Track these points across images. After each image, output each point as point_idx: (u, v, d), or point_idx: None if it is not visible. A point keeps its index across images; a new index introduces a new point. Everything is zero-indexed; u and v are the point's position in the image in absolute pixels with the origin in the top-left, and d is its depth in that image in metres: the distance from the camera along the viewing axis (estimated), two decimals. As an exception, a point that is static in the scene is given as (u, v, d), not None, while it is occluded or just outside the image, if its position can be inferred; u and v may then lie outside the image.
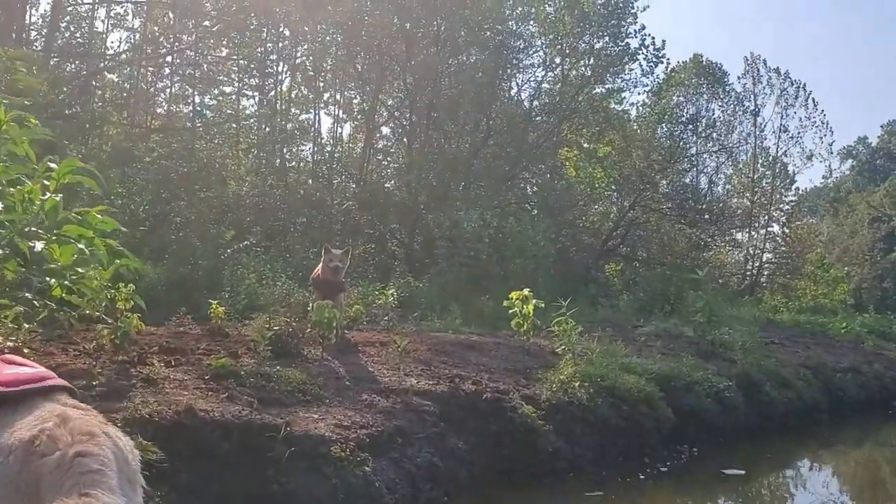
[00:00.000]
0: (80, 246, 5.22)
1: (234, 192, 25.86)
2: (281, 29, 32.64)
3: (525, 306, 8.76)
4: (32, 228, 5.41)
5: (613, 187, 31.21)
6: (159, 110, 31.74)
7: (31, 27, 25.54)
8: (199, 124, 29.90)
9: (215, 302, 9.84)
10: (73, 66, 24.00)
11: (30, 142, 5.75)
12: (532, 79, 30.86)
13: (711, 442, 9.33)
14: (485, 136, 27.43)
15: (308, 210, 27.10)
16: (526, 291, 8.75)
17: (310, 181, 30.01)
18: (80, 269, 5.98)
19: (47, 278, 5.82)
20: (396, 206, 26.65)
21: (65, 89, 19.90)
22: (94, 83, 24.94)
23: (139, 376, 5.99)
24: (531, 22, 30.14)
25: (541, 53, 30.37)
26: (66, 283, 5.86)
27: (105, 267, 6.12)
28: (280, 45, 33.31)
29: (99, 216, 5.56)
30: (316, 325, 7.94)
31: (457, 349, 9.38)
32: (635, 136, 32.06)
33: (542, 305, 8.75)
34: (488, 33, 28.04)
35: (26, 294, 6.10)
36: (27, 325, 6.11)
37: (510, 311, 8.89)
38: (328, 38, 30.93)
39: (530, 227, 18.81)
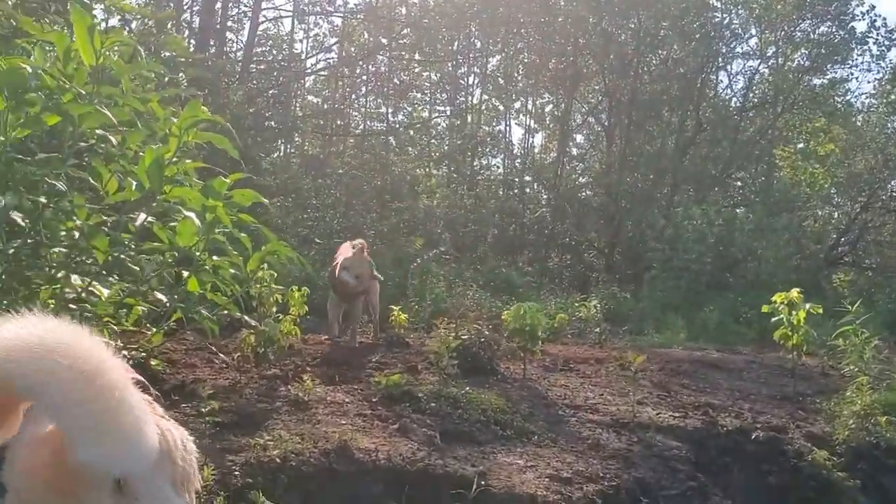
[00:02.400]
0: (195, 220, 3.74)
1: (425, 204, 25.18)
2: (472, 40, 31.95)
3: (793, 313, 6.49)
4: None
5: (833, 190, 27.25)
6: (352, 124, 31.69)
7: (230, 43, 26.06)
8: (391, 138, 29.63)
9: (397, 308, 8.42)
10: (269, 80, 24.07)
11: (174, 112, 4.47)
12: (743, 70, 27.70)
13: None
14: (692, 133, 24.71)
15: (500, 220, 25.83)
16: (794, 293, 6.47)
17: (501, 191, 28.86)
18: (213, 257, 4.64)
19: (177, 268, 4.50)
20: (594, 213, 24.72)
21: (258, 101, 19.67)
22: (286, 95, 24.94)
23: (287, 397, 4.46)
24: (741, 8, 27.08)
25: (753, 42, 27.16)
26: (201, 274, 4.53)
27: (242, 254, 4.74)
28: (471, 56, 32.52)
29: (224, 181, 4.10)
30: (514, 335, 6.14)
31: (697, 369, 7.28)
32: (864, 131, 27.89)
33: (820, 311, 6.44)
34: (693, 24, 25.38)
35: (153, 291, 4.80)
36: (153, 329, 4.72)
37: (773, 320, 6.63)
38: (520, 44, 29.80)
39: (765, 226, 16.03)
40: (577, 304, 13.93)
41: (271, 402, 4.37)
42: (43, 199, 4.01)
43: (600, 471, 4.28)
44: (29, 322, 1.61)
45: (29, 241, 4.10)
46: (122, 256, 4.57)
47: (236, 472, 3.33)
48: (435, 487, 3.69)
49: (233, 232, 4.59)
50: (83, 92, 3.83)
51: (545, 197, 27.69)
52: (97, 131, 4.42)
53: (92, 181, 4.09)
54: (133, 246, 4.19)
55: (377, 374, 5.31)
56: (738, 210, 17.49)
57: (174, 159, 4.28)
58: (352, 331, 7.15)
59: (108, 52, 4.07)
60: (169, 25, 8.30)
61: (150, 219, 4.07)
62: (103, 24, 8.87)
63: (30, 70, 3.11)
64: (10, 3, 5.92)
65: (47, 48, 4.27)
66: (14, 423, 1.77)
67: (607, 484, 4.15)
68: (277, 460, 3.46)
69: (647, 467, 4.51)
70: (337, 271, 6.91)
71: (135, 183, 4.15)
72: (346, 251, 7.33)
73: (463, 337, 6.07)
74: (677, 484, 4.51)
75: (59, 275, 4.21)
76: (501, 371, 6.12)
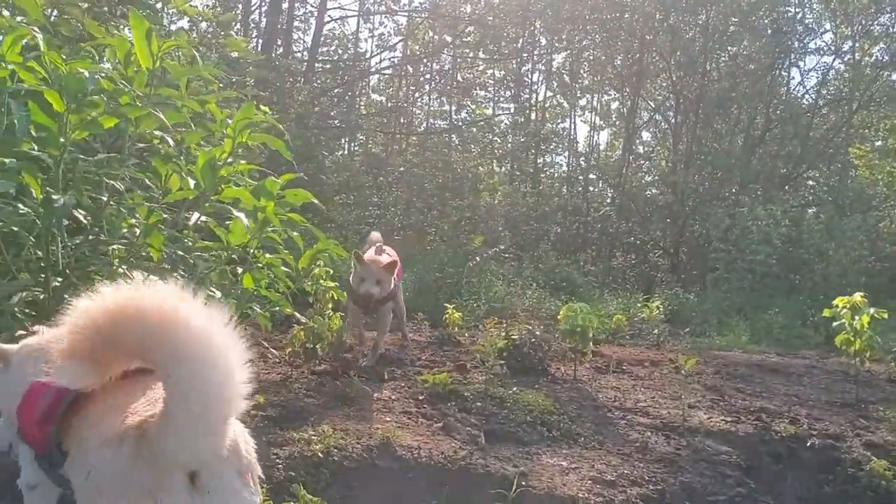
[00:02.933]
0: (244, 220, 3.84)
1: (486, 202, 25.16)
2: (537, 37, 31.83)
3: (856, 317, 6.29)
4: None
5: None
6: (415, 122, 31.91)
7: (296, 43, 26.48)
8: (454, 136, 29.72)
9: (451, 306, 8.45)
10: (334, 79, 24.40)
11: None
12: (817, 66, 26.89)
13: None
14: (762, 131, 24.09)
15: (562, 218, 25.65)
16: (858, 297, 6.26)
17: (565, 189, 28.66)
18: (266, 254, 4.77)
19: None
20: (659, 211, 24.31)
21: (322, 100, 19.95)
22: (351, 94, 25.24)
23: (334, 393, 4.54)
24: (815, 3, 26.26)
25: (827, 37, 26.31)
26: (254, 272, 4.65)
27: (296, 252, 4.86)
28: (535, 53, 32.39)
29: (275, 181, 4.19)
30: (566, 336, 6.10)
31: (754, 373, 7.10)
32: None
33: (885, 315, 6.22)
34: (764, 20, 24.75)
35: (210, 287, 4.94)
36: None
37: (834, 325, 6.44)
38: (585, 41, 29.54)
39: (836, 227, 15.51)
40: (639, 305, 13.75)
41: (319, 398, 4.45)
42: (104, 198, 4.17)
43: (645, 474, 4.22)
44: (170, 291, 1.73)
45: (91, 237, 4.27)
46: (180, 253, 4.75)
47: (279, 465, 3.41)
48: (475, 486, 3.70)
49: (285, 231, 4.69)
50: (141, 94, 3.95)
51: (610, 195, 27.39)
52: (156, 132, 4.59)
53: (147, 181, 4.21)
54: (189, 243, 4.31)
55: (425, 372, 5.35)
56: (809, 210, 16.91)
57: (229, 160, 4.40)
58: (373, 346, 5.85)
59: (165, 56, 4.19)
60: (233, 27, 8.48)
61: (203, 218, 4.18)
62: (173, 26, 9.12)
63: (86, 74, 3.22)
64: (83, 6, 6.13)
65: (108, 52, 4.42)
66: (99, 380, 1.89)
67: (652, 488, 4.09)
68: (320, 454, 3.53)
69: (695, 472, 4.43)
70: (356, 285, 5.68)
71: (193, 182, 4.29)
72: (375, 238, 6.60)
73: (513, 337, 6.07)
74: (725, 490, 4.42)
75: (121, 270, 4.37)
76: (552, 372, 6.09)
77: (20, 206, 3.58)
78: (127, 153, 4.23)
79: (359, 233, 18.79)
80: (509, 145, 29.24)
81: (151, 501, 1.74)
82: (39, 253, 3.99)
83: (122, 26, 6.63)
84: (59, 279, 3.96)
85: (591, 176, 29.45)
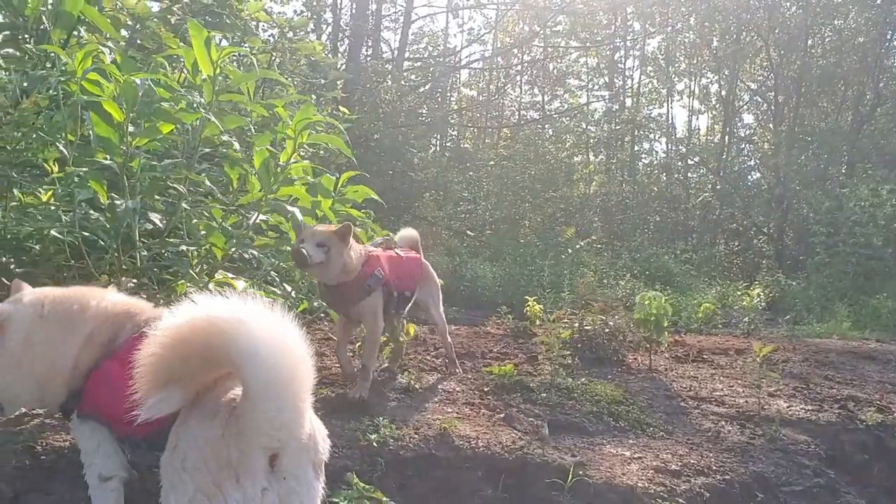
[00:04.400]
0: (299, 216, 3.96)
1: (580, 192, 24.85)
2: (629, 22, 31.26)
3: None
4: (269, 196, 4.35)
5: None
6: (507, 115, 31.85)
7: (385, 43, 26.88)
8: (547, 127, 29.51)
9: (533, 298, 8.40)
10: (423, 76, 24.65)
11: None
12: (933, 35, 25.23)
13: None
14: (871, 107, 22.83)
15: (659, 206, 25.08)
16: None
17: (663, 176, 28.01)
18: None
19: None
20: (762, 196, 23.44)
21: (410, 98, 20.18)
22: (441, 89, 25.42)
23: (400, 386, 4.61)
24: (929, -34, 24.68)
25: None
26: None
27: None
28: (628, 39, 31.80)
29: (329, 177, 4.29)
30: (640, 325, 5.98)
31: (847, 360, 6.77)
32: None
33: None
34: (873, -11, 23.50)
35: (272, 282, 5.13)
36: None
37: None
38: (679, 24, 28.80)
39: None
40: (738, 293, 13.32)
41: (384, 390, 4.52)
42: (181, 202, 4.38)
43: (713, 464, 4.10)
44: (254, 303, 1.87)
45: (167, 239, 4.48)
46: (255, 253, 4.93)
47: (336, 454, 3.49)
48: (532, 476, 3.69)
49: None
50: (202, 100, 4.11)
51: (710, 180, 26.59)
52: (223, 137, 4.78)
53: (208, 184, 4.37)
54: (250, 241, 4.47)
55: (495, 364, 5.35)
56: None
57: (293, 160, 4.54)
58: (362, 370, 4.32)
59: (226, 62, 4.34)
60: (307, 31, 8.69)
61: (262, 217, 4.33)
62: (261, 33, 9.34)
63: (138, 82, 3.39)
64: (173, 19, 6.42)
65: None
66: (195, 389, 2.00)
67: (719, 478, 3.97)
68: (375, 444, 3.60)
69: (769, 462, 4.27)
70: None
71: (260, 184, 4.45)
72: (406, 235, 5.02)
73: (586, 328, 6.00)
74: (802, 480, 4.24)
75: (200, 270, 4.58)
76: (628, 362, 5.98)
77: (92, 212, 3.80)
78: (192, 158, 4.41)
79: (449, 228, 18.94)
80: (604, 133, 28.75)
81: (233, 478, 1.86)
82: (121, 256, 4.21)
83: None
84: (135, 281, 4.18)
85: (691, 161, 28.72)
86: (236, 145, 4.67)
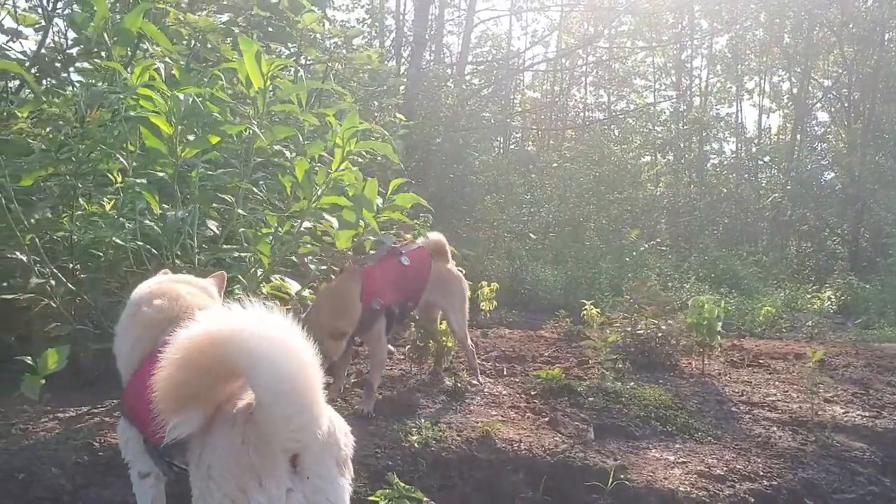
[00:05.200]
0: (333, 223, 4.07)
1: (646, 193, 24.48)
2: (697, 20, 30.75)
3: None
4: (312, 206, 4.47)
5: None
6: (571, 116, 31.68)
7: (447, 48, 27.06)
8: (613, 127, 29.25)
9: (589, 302, 8.38)
10: (487, 79, 24.72)
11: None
12: None
13: None
14: (954, 103, 21.99)
15: (728, 207, 24.58)
16: None
17: (732, 177, 27.45)
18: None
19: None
20: (835, 196, 22.77)
21: (471, 102, 20.23)
22: (504, 92, 25.45)
23: (447, 389, 4.69)
24: None
25: None
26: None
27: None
28: (695, 38, 31.28)
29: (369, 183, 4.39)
30: (693, 330, 5.91)
31: (912, 366, 6.57)
32: None
33: None
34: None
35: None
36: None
37: None
38: (748, 22, 28.21)
39: None
40: (807, 296, 12.98)
41: (431, 393, 4.61)
42: (239, 210, 4.54)
43: (761, 469, 4.05)
44: (253, 311, 1.90)
45: (224, 246, 4.66)
46: (308, 258, 5.08)
47: (378, 455, 3.59)
48: (573, 479, 3.71)
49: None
50: (250, 112, 4.27)
51: (781, 181, 25.94)
52: (275, 146, 4.94)
53: (256, 192, 4.51)
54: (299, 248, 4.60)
55: (546, 368, 5.38)
56: None
57: (342, 168, 4.66)
58: (367, 385, 4.29)
59: (276, 74, 4.48)
60: (372, 36, 8.86)
61: (307, 224, 4.45)
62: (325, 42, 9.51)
63: (182, 97, 3.55)
64: (235, 31, 6.64)
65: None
66: (214, 403, 2.03)
67: (766, 483, 3.92)
68: (416, 445, 3.68)
69: (820, 468, 4.19)
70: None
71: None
72: (434, 239, 4.96)
73: (639, 332, 5.97)
74: (855, 487, 4.15)
75: (259, 274, 4.73)
76: (682, 367, 5.93)
77: (146, 221, 3.99)
78: (250, 167, 4.58)
79: (511, 231, 18.91)
80: (672, 134, 28.31)
81: (256, 482, 1.90)
82: (179, 262, 4.39)
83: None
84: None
85: (761, 161, 28.09)
86: (287, 154, 4.81)
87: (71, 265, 4.42)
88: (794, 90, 27.82)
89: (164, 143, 3.66)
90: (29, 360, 3.46)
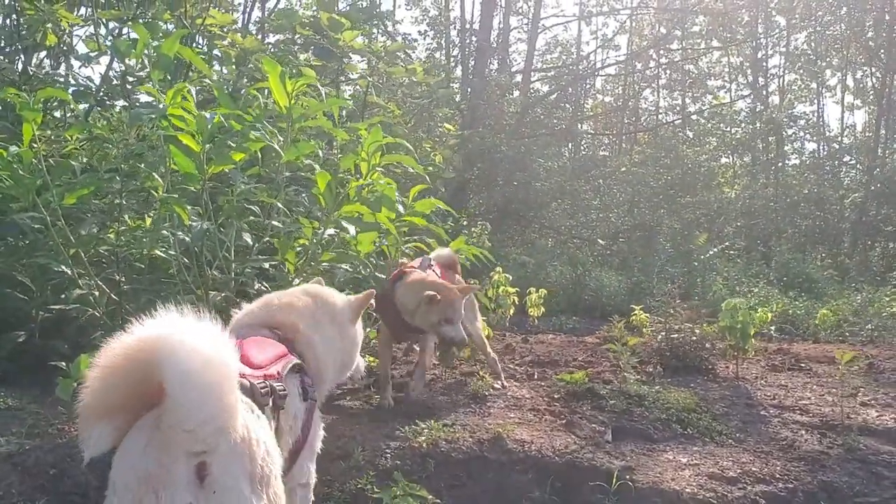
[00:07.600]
0: (352, 231, 4.25)
1: (720, 196, 23.94)
2: (773, 18, 29.98)
3: None
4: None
5: None
6: (643, 119, 31.30)
7: (513, 55, 27.14)
8: (687, 130, 28.77)
9: (639, 307, 8.38)
10: (557, 84, 24.71)
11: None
12: None
13: None
14: None
15: (806, 208, 23.82)
16: None
17: (812, 177, 26.59)
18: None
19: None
20: (921, 195, 21.81)
21: (535, 109, 20.29)
22: (573, 97, 25.36)
23: (470, 392, 4.83)
24: None
25: None
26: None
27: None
28: (770, 37, 30.47)
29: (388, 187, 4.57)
30: (726, 333, 5.87)
31: (963, 368, 6.35)
32: None
33: None
34: None
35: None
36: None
37: None
38: (828, 17, 27.35)
39: None
40: (886, 298, 12.54)
41: (453, 396, 4.75)
42: (275, 222, 4.79)
43: (778, 472, 4.02)
44: (168, 319, 1.82)
45: (257, 256, 4.90)
46: (343, 266, 5.29)
47: (388, 455, 3.74)
48: (580, 480, 3.78)
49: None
50: (274, 129, 4.50)
51: (864, 180, 24.98)
52: (305, 161, 5.18)
53: (280, 206, 4.73)
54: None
55: (577, 371, 5.44)
56: None
57: (369, 181, 4.85)
58: (417, 367, 4.91)
59: (301, 93, 4.71)
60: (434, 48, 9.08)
61: (330, 232, 4.64)
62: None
63: (208, 116, 3.80)
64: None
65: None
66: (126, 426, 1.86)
67: (781, 486, 3.90)
68: (425, 445, 3.82)
69: (842, 471, 4.13)
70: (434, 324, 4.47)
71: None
72: (444, 253, 5.31)
73: (673, 336, 5.96)
74: (879, 491, 4.07)
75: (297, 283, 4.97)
76: (716, 370, 5.89)
77: (180, 233, 4.26)
78: (282, 181, 4.82)
79: (579, 237, 18.86)
80: (747, 134, 27.64)
81: (151, 493, 1.74)
82: (217, 273, 4.66)
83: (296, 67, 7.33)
84: (221, 294, 4.61)
85: (845, 160, 27.14)
86: (317, 167, 5.03)
87: (116, 277, 4.74)
88: (877, 85, 26.80)
89: (192, 160, 3.91)
90: (63, 364, 3.74)
